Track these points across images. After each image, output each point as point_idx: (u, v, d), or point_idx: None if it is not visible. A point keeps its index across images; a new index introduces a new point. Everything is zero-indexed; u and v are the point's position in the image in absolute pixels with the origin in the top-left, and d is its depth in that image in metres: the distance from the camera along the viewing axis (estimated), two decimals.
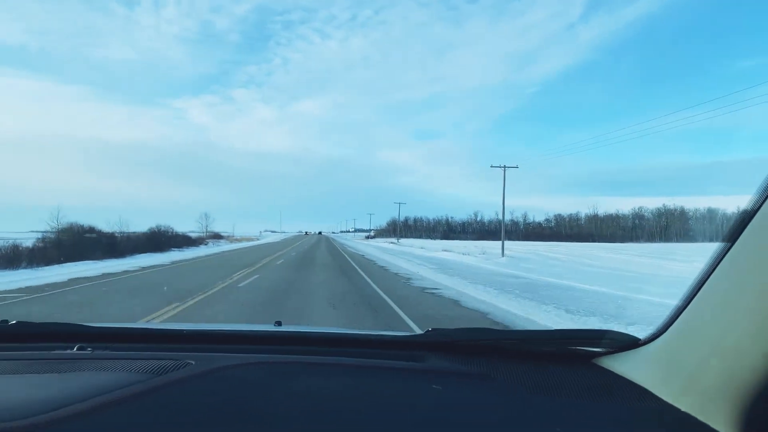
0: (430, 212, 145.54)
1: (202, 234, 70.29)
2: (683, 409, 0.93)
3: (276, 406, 0.98)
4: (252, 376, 1.12)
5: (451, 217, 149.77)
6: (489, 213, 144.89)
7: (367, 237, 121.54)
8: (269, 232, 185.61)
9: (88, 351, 1.32)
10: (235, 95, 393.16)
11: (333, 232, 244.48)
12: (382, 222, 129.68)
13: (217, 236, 69.48)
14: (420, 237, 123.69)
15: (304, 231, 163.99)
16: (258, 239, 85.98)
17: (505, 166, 31.66)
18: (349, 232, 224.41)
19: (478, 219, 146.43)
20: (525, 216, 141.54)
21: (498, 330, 1.51)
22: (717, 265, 0.90)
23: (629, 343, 1.20)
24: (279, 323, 1.80)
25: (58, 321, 1.60)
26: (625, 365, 1.17)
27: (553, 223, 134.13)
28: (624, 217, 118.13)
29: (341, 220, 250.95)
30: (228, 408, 0.95)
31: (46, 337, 1.47)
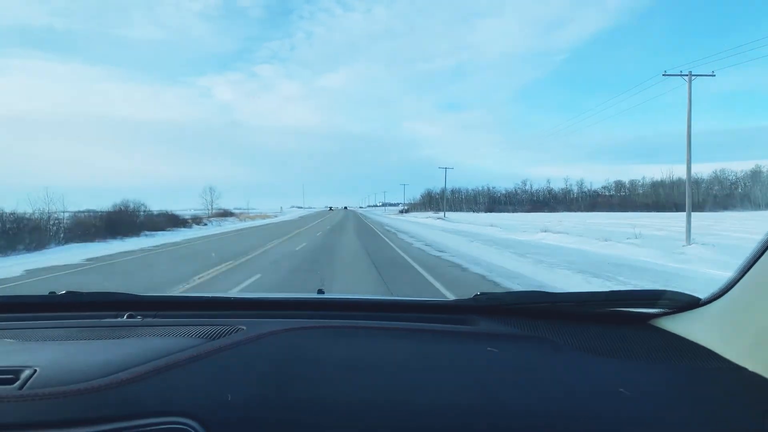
0: (458, 184, 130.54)
1: (206, 211, 60.31)
2: (751, 368, 0.93)
3: (327, 370, 1.00)
4: (302, 340, 1.14)
5: (492, 187, 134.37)
6: (523, 183, 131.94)
7: (401, 211, 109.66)
8: (296, 208, 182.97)
9: (138, 319, 1.34)
10: (259, 71, 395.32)
11: (360, 207, 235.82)
12: (412, 195, 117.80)
13: (224, 214, 59.39)
14: (460, 210, 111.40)
15: (328, 206, 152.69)
16: (277, 216, 75.73)
17: (690, 73, 18.63)
18: (377, 206, 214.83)
19: (526, 188, 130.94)
20: (581, 183, 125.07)
21: (550, 293, 1.39)
22: None
23: (689, 303, 1.16)
24: (321, 291, 1.82)
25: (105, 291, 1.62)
26: (686, 326, 1.14)
27: (612, 191, 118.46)
28: (706, 181, 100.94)
29: (367, 195, 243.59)
30: (281, 371, 0.98)
31: (96, 306, 1.49)
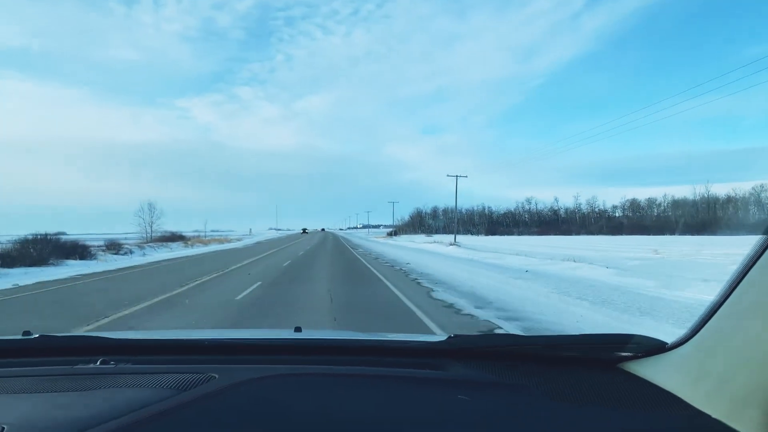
0: (442, 205, 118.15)
1: (145, 235, 48.55)
2: (714, 415, 0.94)
3: (299, 422, 1.00)
4: (274, 389, 1.14)
5: (489, 207, 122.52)
6: (508, 204, 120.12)
7: (390, 234, 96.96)
8: (273, 230, 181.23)
9: (112, 365, 1.33)
10: (239, 93, 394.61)
11: (340, 229, 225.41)
12: (397, 216, 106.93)
13: (170, 238, 47.78)
14: (457, 232, 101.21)
15: (302, 229, 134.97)
16: (242, 239, 63.93)
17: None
18: (357, 228, 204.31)
19: (529, 208, 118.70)
20: (593, 203, 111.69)
21: (521, 336, 1.47)
22: (753, 264, 0.88)
23: (656, 347, 1.18)
24: (299, 329, 1.85)
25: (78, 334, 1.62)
26: (652, 370, 1.16)
27: (629, 212, 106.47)
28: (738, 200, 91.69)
29: (347, 216, 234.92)
30: (252, 423, 0.98)
31: (68, 350, 1.47)
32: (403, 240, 62.38)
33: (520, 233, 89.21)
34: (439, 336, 1.50)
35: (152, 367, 1.29)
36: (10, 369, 1.31)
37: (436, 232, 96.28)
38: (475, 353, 1.37)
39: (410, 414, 1.04)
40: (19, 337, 1.53)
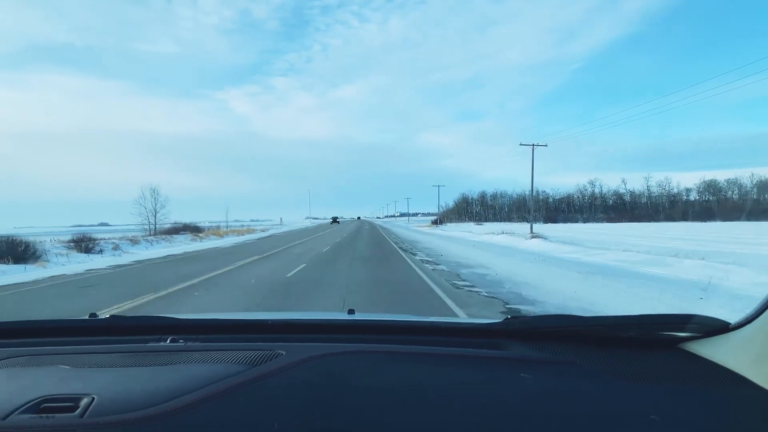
0: (476, 192, 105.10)
1: (146, 227, 41.49)
2: None
3: (367, 397, 1.03)
4: (340, 365, 1.18)
5: (544, 192, 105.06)
6: (591, 185, 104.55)
7: (434, 222, 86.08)
8: (310, 219, 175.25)
9: (181, 343, 1.38)
10: (275, 84, 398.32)
11: (378, 217, 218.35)
12: (437, 203, 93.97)
13: (173, 231, 40.54)
14: (509, 219, 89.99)
15: (332, 217, 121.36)
16: (267, 230, 56.35)
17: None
18: (394, 216, 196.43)
19: (594, 192, 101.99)
20: (665, 186, 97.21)
21: (579, 317, 1.41)
22: None
23: (718, 327, 1.17)
24: (352, 311, 1.90)
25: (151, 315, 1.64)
26: (716, 350, 1.15)
27: (707, 195, 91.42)
28: None
29: (383, 205, 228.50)
30: (323, 399, 1.02)
31: (137, 329, 1.53)
32: (453, 230, 52.84)
33: (585, 220, 78.27)
34: (495, 318, 1.53)
35: (221, 344, 1.34)
36: (86, 346, 1.36)
37: (485, 220, 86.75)
38: (533, 334, 1.37)
39: (477, 391, 1.06)
40: (93, 319, 1.59)
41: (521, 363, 1.19)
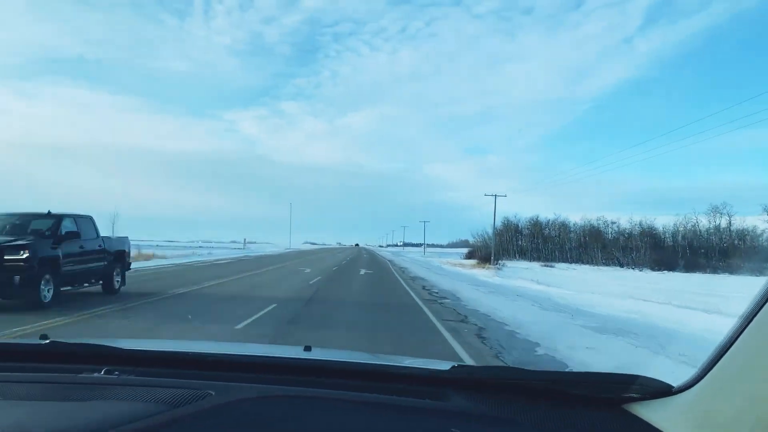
0: (484, 228, 74.60)
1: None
2: None
3: None
4: (270, 410, 1.16)
5: (644, 220, 68.58)
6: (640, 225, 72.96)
7: (470, 256, 60.83)
8: (308, 244, 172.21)
9: (115, 375, 1.36)
10: (284, 108, 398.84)
11: (380, 246, 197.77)
12: (436, 236, 67.84)
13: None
14: (549, 259, 63.21)
15: (308, 242, 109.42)
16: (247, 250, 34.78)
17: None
18: (397, 246, 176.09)
19: (620, 229, 69.11)
20: (729, 226, 65.37)
21: (525, 370, 1.45)
22: (760, 309, 0.88)
23: (662, 390, 1.17)
24: (309, 348, 1.85)
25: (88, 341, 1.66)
26: (657, 414, 1.14)
27: None
28: None
29: (385, 233, 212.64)
30: None
31: (76, 357, 1.52)
32: (541, 280, 24.59)
33: (632, 264, 53.58)
34: (445, 364, 1.52)
35: (153, 380, 1.33)
36: (17, 374, 1.36)
37: (545, 259, 62.09)
38: (475, 384, 1.37)
39: None
40: (33, 341, 1.59)
41: (459, 416, 1.18)
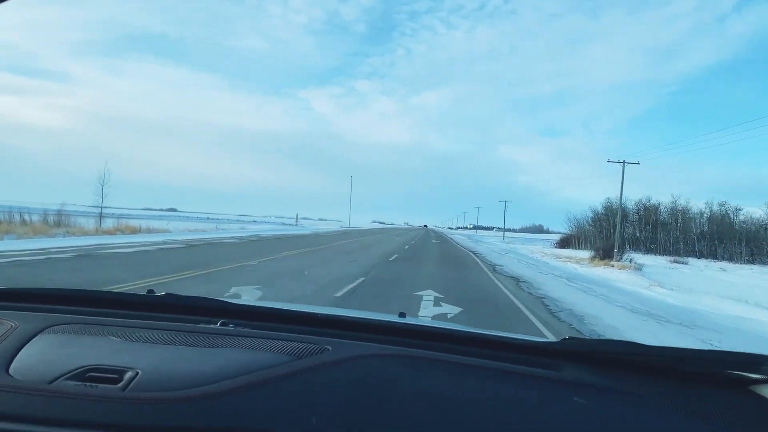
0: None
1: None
2: None
3: (407, 402, 1.03)
4: (386, 367, 1.17)
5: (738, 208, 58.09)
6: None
7: (559, 245, 51.83)
8: (377, 223, 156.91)
9: (231, 328, 1.40)
10: (357, 86, 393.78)
11: (449, 228, 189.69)
12: (501, 219, 59.05)
13: None
14: (713, 256, 50.71)
15: (379, 221, 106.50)
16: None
17: None
18: (467, 228, 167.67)
19: None
20: None
21: (645, 345, 1.31)
22: None
23: None
24: (403, 314, 1.87)
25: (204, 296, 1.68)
26: None
27: None
28: None
29: (454, 215, 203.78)
30: (365, 398, 1.03)
31: (190, 310, 1.57)
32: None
33: None
34: (552, 338, 1.31)
35: (270, 333, 1.35)
36: (139, 321, 1.40)
37: (656, 251, 51.48)
38: (590, 358, 1.30)
39: (523, 408, 1.04)
40: (149, 295, 1.63)
41: (575, 386, 1.13)
